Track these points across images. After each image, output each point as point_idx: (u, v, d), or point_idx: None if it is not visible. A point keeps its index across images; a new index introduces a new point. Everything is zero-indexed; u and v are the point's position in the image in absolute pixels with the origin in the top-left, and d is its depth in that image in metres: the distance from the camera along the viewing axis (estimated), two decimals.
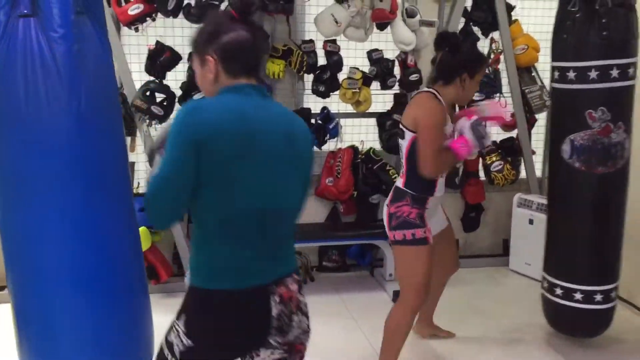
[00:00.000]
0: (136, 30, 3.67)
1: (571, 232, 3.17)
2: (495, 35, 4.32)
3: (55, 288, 2.31)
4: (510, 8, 4.28)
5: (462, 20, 4.24)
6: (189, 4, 3.63)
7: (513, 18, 4.32)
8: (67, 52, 2.14)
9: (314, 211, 4.31)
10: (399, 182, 2.84)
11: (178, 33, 3.86)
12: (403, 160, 2.81)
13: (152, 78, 3.75)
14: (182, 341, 1.62)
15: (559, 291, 3.17)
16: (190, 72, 3.78)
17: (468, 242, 4.69)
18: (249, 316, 1.62)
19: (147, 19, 3.64)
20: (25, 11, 2.10)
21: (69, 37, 2.14)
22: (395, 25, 3.94)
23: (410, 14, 3.99)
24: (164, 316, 1.97)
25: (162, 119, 3.69)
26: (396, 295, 3.87)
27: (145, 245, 3.49)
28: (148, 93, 3.71)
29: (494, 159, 4.44)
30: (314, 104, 4.14)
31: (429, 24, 4.08)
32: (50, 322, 2.34)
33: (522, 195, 4.45)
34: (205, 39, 1.64)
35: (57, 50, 2.12)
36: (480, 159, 4.46)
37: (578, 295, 3.10)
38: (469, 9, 4.24)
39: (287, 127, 1.67)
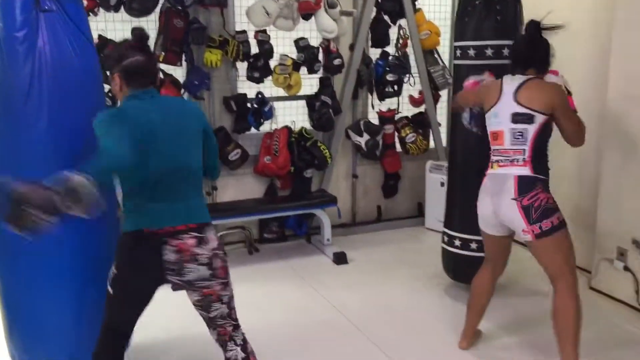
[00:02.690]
0: None
1: (468, 189, 3.26)
2: (403, 22, 4.89)
3: (40, 283, 2.51)
4: None
5: (374, 9, 4.76)
6: None
7: (417, 7, 4.90)
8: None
9: (252, 187, 4.69)
10: (524, 171, 2.73)
11: (119, 27, 4.05)
12: (527, 147, 2.74)
13: None
14: (112, 270, 2.22)
15: (457, 242, 3.67)
16: None
17: (388, 207, 5.27)
18: (144, 253, 2.16)
19: (90, 13, 3.82)
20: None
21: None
22: (319, 15, 4.38)
23: (331, 5, 4.44)
24: None
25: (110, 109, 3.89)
26: (336, 257, 4.36)
27: None
28: None
29: (408, 131, 5.03)
30: (249, 89, 4.49)
31: (348, 13, 4.57)
32: (36, 316, 2.55)
33: (433, 162, 5.09)
34: (112, 62, 2.25)
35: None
36: (396, 132, 5.04)
37: (473, 245, 3.57)
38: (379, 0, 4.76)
39: (177, 110, 2.29)
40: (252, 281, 4.05)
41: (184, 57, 4.18)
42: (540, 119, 2.72)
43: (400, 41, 4.94)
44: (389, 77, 4.84)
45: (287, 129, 4.58)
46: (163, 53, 4.01)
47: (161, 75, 4.13)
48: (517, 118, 2.75)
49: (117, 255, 2.23)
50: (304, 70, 4.52)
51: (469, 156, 3.59)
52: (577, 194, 4.16)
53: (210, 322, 2.33)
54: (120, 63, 2.20)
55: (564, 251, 2.77)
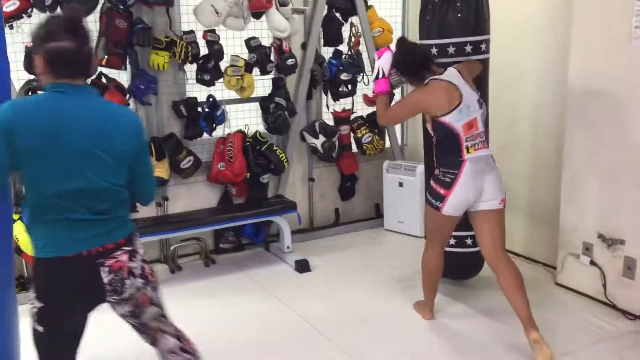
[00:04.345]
0: (10, 27, 3.51)
1: None
2: (355, 20, 4.77)
3: None
4: None
5: (326, 7, 4.62)
6: None
7: (369, 4, 4.80)
8: None
9: (206, 196, 4.46)
10: (490, 151, 3.15)
11: None
12: (485, 128, 3.17)
13: (32, 77, 3.61)
14: (35, 304, 1.94)
15: (452, 241, 3.56)
16: None
17: (346, 210, 5.14)
18: (78, 278, 1.94)
19: (23, 15, 3.51)
20: None
21: None
22: (271, 14, 4.20)
23: (282, 3, 4.26)
24: None
25: None
26: (298, 264, 4.19)
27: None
28: (30, 92, 3.57)
29: (364, 132, 4.92)
30: (199, 92, 4.26)
31: (300, 11, 4.41)
32: None
33: (390, 161, 5.00)
34: (36, 41, 1.92)
35: None
36: (352, 133, 4.92)
37: (452, 241, 3.58)
38: None
39: (103, 119, 1.95)
40: (211, 295, 3.84)
41: (128, 60, 3.91)
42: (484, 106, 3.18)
43: (353, 39, 4.82)
44: (343, 76, 4.71)
45: (241, 133, 4.38)
46: (106, 56, 3.72)
47: (104, 80, 3.86)
48: (481, 103, 3.12)
49: (39, 285, 1.95)
50: (256, 71, 4.33)
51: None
52: (538, 192, 4.16)
53: (142, 327, 2.15)
54: (44, 44, 1.88)
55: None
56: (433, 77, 3.10)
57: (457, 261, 3.67)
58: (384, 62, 3.31)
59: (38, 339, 1.98)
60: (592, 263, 3.59)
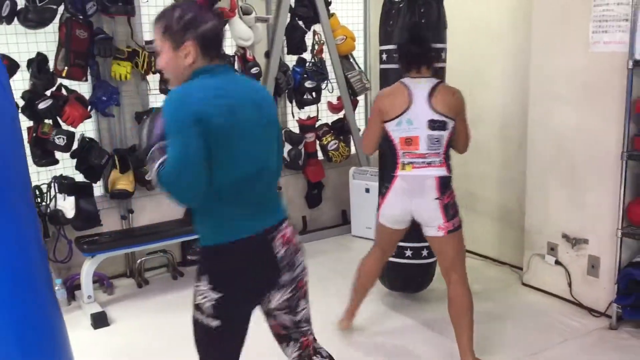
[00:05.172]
0: None
1: None
2: (317, 28, 4.78)
3: None
4: (327, 3, 4.76)
5: (289, 15, 4.61)
6: (25, 9, 3.46)
7: (331, 12, 4.82)
8: None
9: (171, 208, 4.36)
10: (442, 172, 2.85)
11: (13, 41, 3.64)
12: (441, 150, 2.85)
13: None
14: (211, 297, 1.84)
15: (408, 252, 3.55)
16: (34, 80, 3.61)
17: (314, 217, 5.14)
18: (257, 259, 1.88)
19: None
20: None
21: None
22: (234, 23, 4.17)
23: (245, 12, 4.25)
24: None
25: None
26: None
27: None
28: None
29: (329, 139, 4.93)
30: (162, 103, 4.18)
31: (264, 20, 4.40)
32: None
33: (357, 167, 5.02)
34: (183, 26, 1.80)
35: None
36: (317, 141, 4.93)
37: (408, 252, 3.55)
38: (292, 5, 4.62)
39: (254, 96, 1.90)
40: (181, 308, 3.66)
41: (89, 71, 3.82)
42: (451, 124, 2.86)
43: (316, 47, 4.83)
44: (307, 84, 4.72)
45: None
46: (66, 68, 3.63)
47: (64, 91, 3.77)
48: (434, 125, 2.84)
49: (220, 273, 1.85)
50: None
51: None
52: (503, 195, 4.24)
53: (294, 332, 2.05)
54: (197, 27, 1.79)
55: (462, 245, 2.96)
56: (403, 79, 2.95)
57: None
58: None
59: (209, 336, 1.89)
60: (557, 263, 3.68)
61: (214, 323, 1.86)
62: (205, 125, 1.70)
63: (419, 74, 2.94)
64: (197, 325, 1.91)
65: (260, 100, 1.92)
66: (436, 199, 2.83)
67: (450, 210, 2.85)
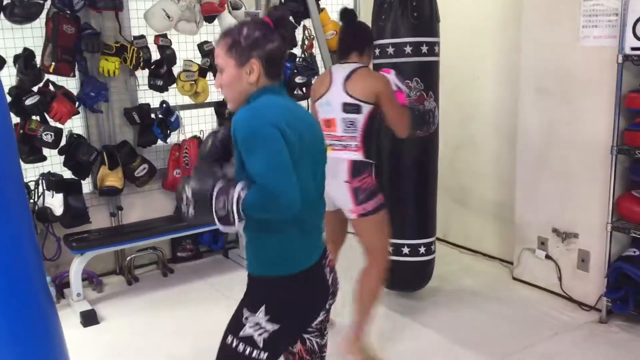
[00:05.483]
0: None
1: (399, 193, 3.48)
2: (307, 22, 4.76)
3: None
4: None
5: None
6: (11, 4, 3.41)
7: (321, 7, 4.80)
8: None
9: (161, 205, 4.36)
10: (357, 156, 2.89)
11: None
12: (357, 134, 2.89)
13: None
14: (266, 329, 1.75)
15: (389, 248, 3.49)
16: (21, 76, 3.57)
17: None
18: (316, 288, 1.84)
19: None
20: None
21: None
22: (223, 18, 4.15)
23: (235, 6, 4.22)
24: None
25: None
26: None
27: None
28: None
29: None
30: (152, 99, 4.16)
31: (253, 15, 4.36)
32: None
33: None
34: (250, 44, 1.76)
35: None
36: None
37: (406, 250, 3.52)
38: (282, 0, 4.60)
39: (311, 120, 1.88)
40: (172, 306, 3.75)
41: (77, 67, 3.78)
42: (367, 108, 2.87)
43: (306, 42, 4.81)
44: (298, 79, 4.69)
45: (197, 139, 4.30)
46: (53, 63, 3.59)
47: (52, 87, 3.72)
48: (347, 108, 2.90)
49: (280, 304, 1.77)
50: (210, 75, 4.26)
51: (393, 160, 3.53)
52: (494, 190, 4.24)
53: (317, 357, 1.97)
54: (264, 46, 1.75)
55: (379, 231, 2.97)
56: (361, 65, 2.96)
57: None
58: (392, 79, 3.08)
59: None
60: (548, 257, 3.69)
61: (263, 356, 1.76)
62: (285, 140, 1.66)
63: (346, 60, 2.97)
64: (235, 357, 1.79)
65: (316, 125, 1.90)
66: (345, 181, 2.87)
67: (360, 194, 2.87)
